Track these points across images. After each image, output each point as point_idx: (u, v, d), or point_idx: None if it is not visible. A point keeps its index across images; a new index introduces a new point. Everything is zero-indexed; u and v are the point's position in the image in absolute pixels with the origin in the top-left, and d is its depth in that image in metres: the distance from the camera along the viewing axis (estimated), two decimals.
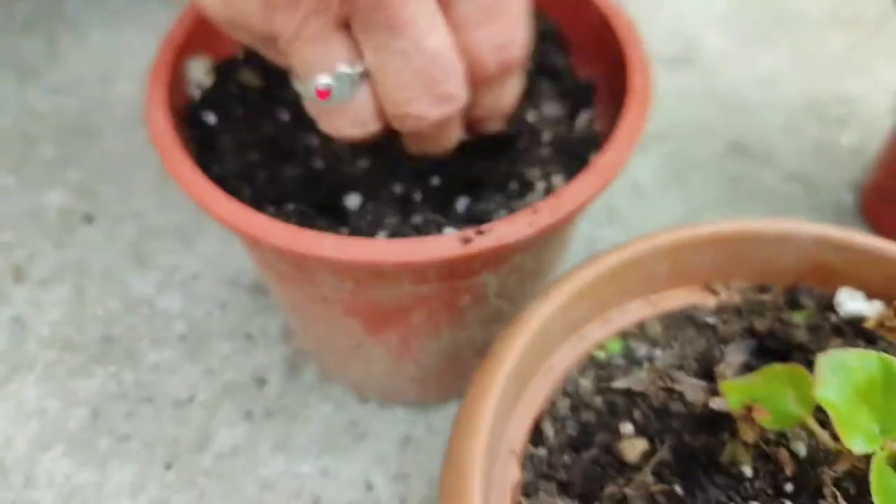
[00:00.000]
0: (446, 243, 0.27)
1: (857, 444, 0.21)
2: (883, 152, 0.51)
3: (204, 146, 0.34)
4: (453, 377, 0.40)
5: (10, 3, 0.71)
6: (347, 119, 0.28)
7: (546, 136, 0.35)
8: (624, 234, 0.53)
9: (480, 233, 0.27)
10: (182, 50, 0.34)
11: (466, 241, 0.27)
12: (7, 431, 0.44)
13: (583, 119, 0.36)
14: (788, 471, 0.25)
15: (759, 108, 0.61)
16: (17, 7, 0.70)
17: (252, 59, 0.37)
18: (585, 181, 0.29)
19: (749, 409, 0.24)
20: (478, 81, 0.28)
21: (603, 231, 0.53)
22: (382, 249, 0.27)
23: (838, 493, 0.23)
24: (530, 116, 0.35)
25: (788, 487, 0.25)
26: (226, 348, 0.48)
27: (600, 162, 0.29)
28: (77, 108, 0.62)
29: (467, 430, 0.25)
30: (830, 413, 0.21)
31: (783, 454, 0.25)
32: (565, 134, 0.35)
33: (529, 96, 0.35)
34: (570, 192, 0.29)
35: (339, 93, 0.27)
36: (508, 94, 0.30)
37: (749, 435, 0.24)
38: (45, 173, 0.58)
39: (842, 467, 0.23)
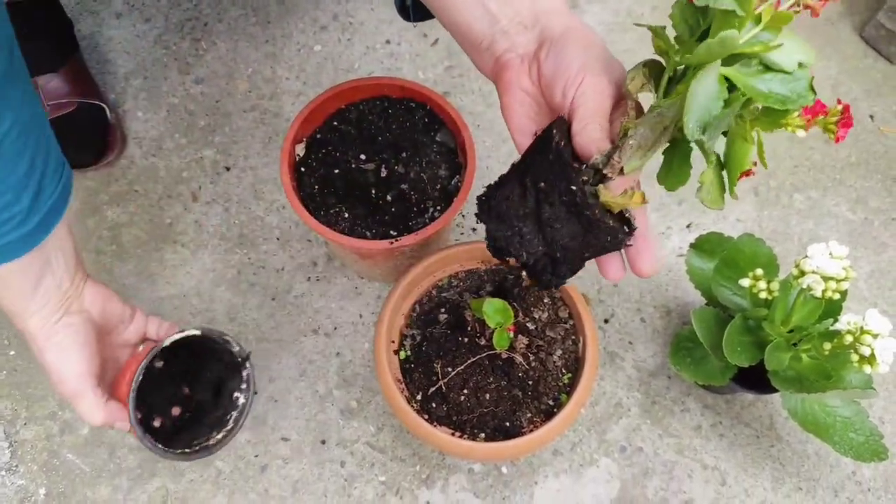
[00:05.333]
0: (385, 243, 0.79)
1: (492, 323, 0.74)
2: None
3: (300, 181, 0.85)
4: (395, 274, 0.93)
5: (166, 10, 1.17)
6: None
7: (438, 187, 0.85)
8: None
9: (394, 240, 0.79)
10: (294, 141, 0.84)
11: (391, 243, 0.79)
12: (215, 280, 0.99)
13: (455, 179, 0.86)
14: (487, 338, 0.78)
15: None
16: (170, 14, 1.17)
17: (322, 138, 0.86)
18: (429, 228, 0.79)
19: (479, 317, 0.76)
20: None
21: None
22: (366, 243, 0.79)
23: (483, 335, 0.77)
24: (431, 176, 0.85)
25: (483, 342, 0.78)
26: (298, 246, 1.01)
27: (441, 217, 0.80)
28: (215, 94, 1.11)
29: (387, 304, 0.78)
30: (486, 315, 0.74)
31: (489, 332, 0.78)
32: (445, 187, 0.85)
33: (433, 165, 0.85)
34: (425, 231, 0.79)
35: None
36: None
37: (482, 324, 0.77)
38: (202, 136, 1.08)
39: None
